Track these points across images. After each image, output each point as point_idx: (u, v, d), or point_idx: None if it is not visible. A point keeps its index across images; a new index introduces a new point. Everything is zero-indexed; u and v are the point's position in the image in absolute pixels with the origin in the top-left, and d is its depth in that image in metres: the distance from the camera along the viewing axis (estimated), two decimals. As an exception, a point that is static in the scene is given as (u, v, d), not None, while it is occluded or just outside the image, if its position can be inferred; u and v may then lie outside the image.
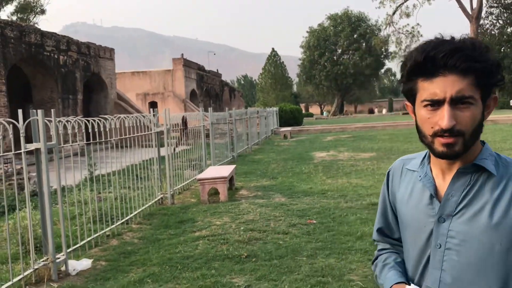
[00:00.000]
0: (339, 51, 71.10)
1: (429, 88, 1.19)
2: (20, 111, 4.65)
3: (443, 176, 1.31)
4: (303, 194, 9.03)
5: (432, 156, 1.32)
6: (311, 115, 71.19)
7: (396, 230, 1.52)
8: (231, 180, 9.87)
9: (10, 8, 41.91)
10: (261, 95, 76.53)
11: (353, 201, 8.25)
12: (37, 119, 4.75)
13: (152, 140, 8.78)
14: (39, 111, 4.74)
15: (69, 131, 5.47)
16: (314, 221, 6.84)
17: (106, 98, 26.14)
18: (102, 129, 6.51)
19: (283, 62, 75.51)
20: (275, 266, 5.02)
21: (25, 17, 41.36)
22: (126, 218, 7.08)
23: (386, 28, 50.48)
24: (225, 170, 9.54)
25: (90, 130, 6.15)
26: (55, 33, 21.38)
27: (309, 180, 10.75)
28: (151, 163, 8.88)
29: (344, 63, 68.74)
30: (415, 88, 1.25)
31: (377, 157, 14.54)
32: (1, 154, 4.35)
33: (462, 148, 1.20)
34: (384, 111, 78.64)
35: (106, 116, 6.88)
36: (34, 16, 42.78)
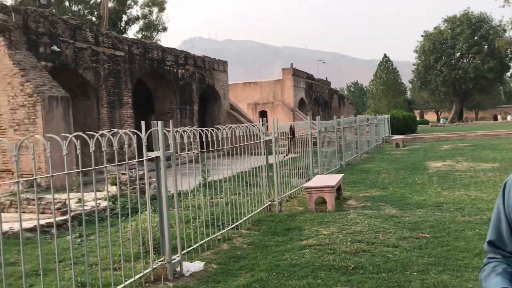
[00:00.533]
0: (458, 54, 66.81)
1: None
2: (142, 123, 5.09)
3: None
4: (416, 206, 8.62)
5: None
6: (426, 122, 67.66)
7: (509, 243, 1.49)
8: (338, 189, 9.75)
9: (136, 27, 45.85)
10: (372, 102, 74.57)
11: (472, 215, 7.68)
12: (157, 130, 5.15)
13: (261, 148, 9.01)
14: (159, 123, 5.14)
15: (185, 141, 5.85)
16: (427, 235, 6.50)
17: (219, 108, 27.38)
18: (214, 138, 6.86)
19: (395, 67, 72.90)
20: (383, 279, 4.86)
21: (148, 35, 45.00)
22: (236, 224, 7.34)
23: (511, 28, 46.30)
24: (333, 179, 9.46)
25: (204, 139, 6.51)
26: (174, 49, 22.96)
27: (423, 192, 10.23)
28: (260, 171, 9.12)
29: (463, 67, 64.41)
30: None
31: (500, 168, 13.38)
32: (126, 162, 4.79)
33: None
34: (509, 117, 72.00)
35: (218, 126, 7.24)
36: (157, 33, 46.37)
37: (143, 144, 4.93)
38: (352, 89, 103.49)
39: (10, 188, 11.73)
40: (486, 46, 63.76)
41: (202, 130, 6.72)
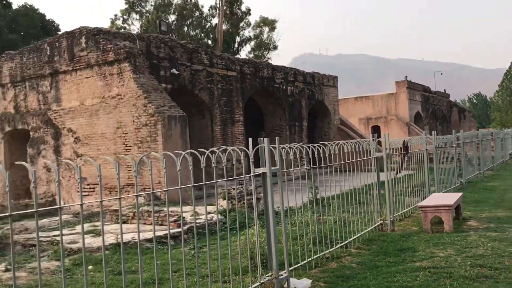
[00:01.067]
0: None
1: None
2: (250, 140, 5.25)
3: None
4: (549, 230, 7.73)
5: None
6: None
7: None
8: (457, 209, 9.10)
9: (248, 47, 47.65)
10: (497, 114, 68.63)
11: None
12: (264, 146, 5.28)
13: (372, 165, 8.76)
14: (265, 140, 5.26)
15: (291, 157, 5.91)
16: None
17: (329, 124, 27.20)
18: (321, 154, 6.83)
19: (525, 76, 66.48)
20: (508, 310, 4.42)
21: (260, 54, 46.47)
22: (345, 242, 7.19)
23: None
24: (450, 198, 8.86)
25: (310, 155, 6.52)
26: (284, 66, 23.41)
27: (558, 213, 9.15)
28: (371, 188, 8.86)
29: None
30: None
31: None
32: (234, 177, 4.97)
33: None
34: None
35: (325, 143, 7.20)
36: (268, 52, 47.71)
37: (250, 161, 5.08)
38: (475, 101, 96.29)
39: (133, 201, 12.78)
40: None
41: (309, 147, 6.73)
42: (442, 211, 8.12)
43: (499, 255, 6.27)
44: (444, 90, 52.42)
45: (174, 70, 16.31)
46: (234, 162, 4.90)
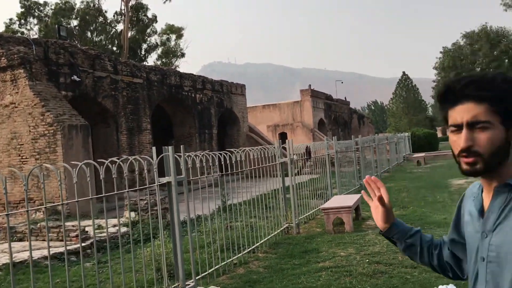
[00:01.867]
0: (478, 69, 65.92)
1: (452, 115, 1.40)
2: (153, 149, 5.14)
3: (488, 196, 1.45)
4: (436, 225, 8.42)
5: (480, 179, 1.47)
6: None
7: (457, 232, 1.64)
8: (357, 209, 9.61)
9: (155, 55, 46.81)
10: (392, 120, 73.93)
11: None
12: (168, 155, 5.18)
13: (277, 170, 8.97)
14: (170, 148, 5.17)
15: (197, 165, 5.86)
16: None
17: (238, 131, 27.50)
18: (228, 161, 6.86)
19: (415, 85, 72.34)
20: (400, 302, 4.73)
21: (167, 61, 45.81)
22: (253, 247, 7.27)
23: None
24: (350, 199, 9.34)
25: (216, 163, 6.52)
26: (192, 74, 23.30)
27: (444, 210, 10.01)
28: (278, 193, 9.07)
29: (484, 82, 63.45)
30: (447, 116, 1.44)
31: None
32: (138, 188, 4.82)
33: (483, 167, 1.35)
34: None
35: (232, 150, 7.25)
36: (176, 60, 47.18)
37: (154, 170, 4.96)
38: (373, 108, 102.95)
39: (31, 216, 11.90)
40: (506, 61, 62.86)
41: (215, 154, 6.73)
42: (343, 212, 8.53)
43: (394, 251, 6.69)
44: (345, 98, 55.43)
45: (75, 77, 15.51)
46: (136, 173, 4.75)
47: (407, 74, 73.60)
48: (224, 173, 6.99)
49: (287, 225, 8.82)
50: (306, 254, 7.02)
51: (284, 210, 8.88)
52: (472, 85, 1.37)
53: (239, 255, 6.86)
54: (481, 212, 1.46)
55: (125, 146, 17.74)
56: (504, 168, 1.39)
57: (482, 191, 1.50)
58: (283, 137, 36.18)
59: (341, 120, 48.82)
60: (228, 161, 6.88)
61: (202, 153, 6.22)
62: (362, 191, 1.81)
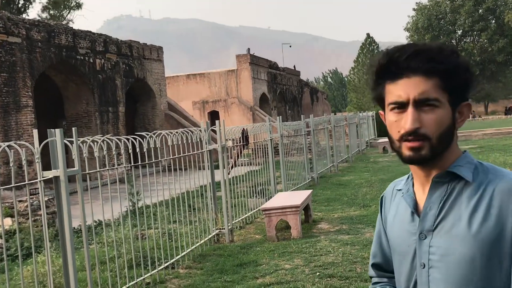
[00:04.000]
0: (459, 32, 69.14)
1: (394, 91, 1.45)
2: (35, 132, 5.00)
3: (423, 190, 1.53)
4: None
5: (413, 170, 1.55)
6: (423, 120, 69.34)
7: (391, 261, 1.71)
8: (307, 209, 9.88)
9: (39, 5, 45.09)
10: (353, 96, 75.94)
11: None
12: (55, 141, 5.06)
13: (205, 161, 9.01)
14: (57, 131, 5.05)
15: (96, 154, 5.78)
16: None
17: (154, 109, 27.24)
18: (139, 149, 6.81)
19: (382, 51, 74.61)
20: (357, 324, 4.96)
21: (57, 14, 44.29)
22: (172, 261, 7.31)
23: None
24: (298, 197, 9.57)
25: (123, 151, 6.45)
26: (90, 32, 22.71)
27: (414, 208, 10.51)
28: (205, 191, 9.13)
29: (467, 48, 66.70)
30: (383, 93, 1.50)
31: None
32: (13, 185, 4.69)
33: (429, 153, 1.42)
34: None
35: (145, 134, 7.19)
36: (69, 12, 45.71)
37: (36, 161, 4.85)
38: (330, 80, 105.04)
39: None
40: (493, 21, 66.25)
41: (122, 139, 6.66)
42: (288, 214, 8.73)
43: (351, 261, 6.99)
44: (294, 66, 56.20)
45: None
46: (11, 165, 4.61)
47: (372, 37, 75.72)
48: (133, 164, 6.94)
49: (217, 231, 8.91)
50: (241, 268, 7.16)
51: (213, 213, 8.96)
52: (420, 56, 1.42)
53: (154, 271, 6.88)
54: (415, 209, 1.53)
55: (-2, 129, 17.08)
56: (448, 154, 1.48)
57: (413, 185, 1.58)
58: (214, 117, 36.23)
59: (289, 96, 49.56)
60: (139, 149, 6.83)
61: (103, 138, 6.14)
62: None
